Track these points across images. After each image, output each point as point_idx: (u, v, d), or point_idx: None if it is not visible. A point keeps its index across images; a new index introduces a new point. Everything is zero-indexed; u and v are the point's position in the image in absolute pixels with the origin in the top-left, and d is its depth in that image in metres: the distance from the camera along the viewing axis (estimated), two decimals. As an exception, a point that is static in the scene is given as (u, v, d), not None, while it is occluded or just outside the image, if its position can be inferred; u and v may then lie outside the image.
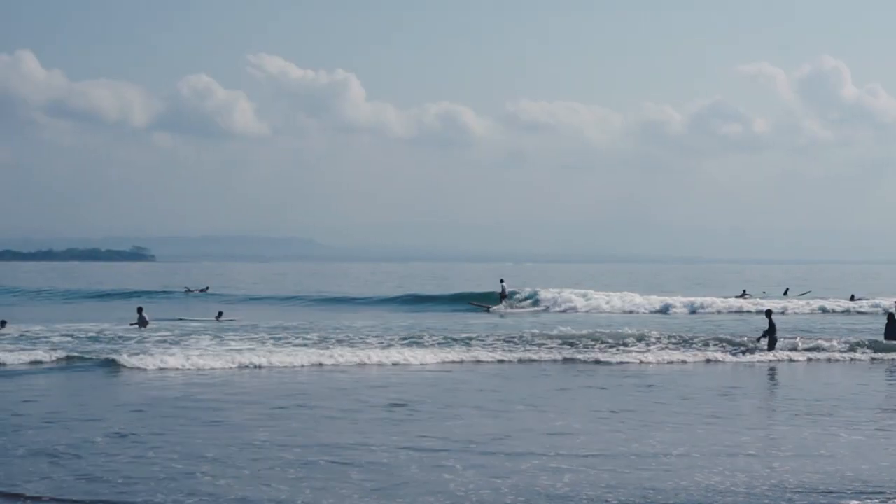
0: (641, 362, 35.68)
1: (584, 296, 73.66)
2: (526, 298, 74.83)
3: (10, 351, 35.01)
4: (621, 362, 35.55)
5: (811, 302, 71.45)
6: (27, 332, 43.02)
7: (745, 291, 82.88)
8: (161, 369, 31.72)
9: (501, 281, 74.24)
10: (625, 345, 39.43)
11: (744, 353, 37.58)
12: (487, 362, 34.99)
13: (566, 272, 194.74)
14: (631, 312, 66.72)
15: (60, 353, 34.31)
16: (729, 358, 36.75)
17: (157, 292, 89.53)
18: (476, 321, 54.75)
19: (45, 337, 40.87)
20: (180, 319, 56.39)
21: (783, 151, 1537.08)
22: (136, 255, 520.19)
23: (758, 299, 75.37)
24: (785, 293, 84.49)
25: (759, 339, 38.60)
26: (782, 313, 60.18)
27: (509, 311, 68.91)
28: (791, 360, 36.63)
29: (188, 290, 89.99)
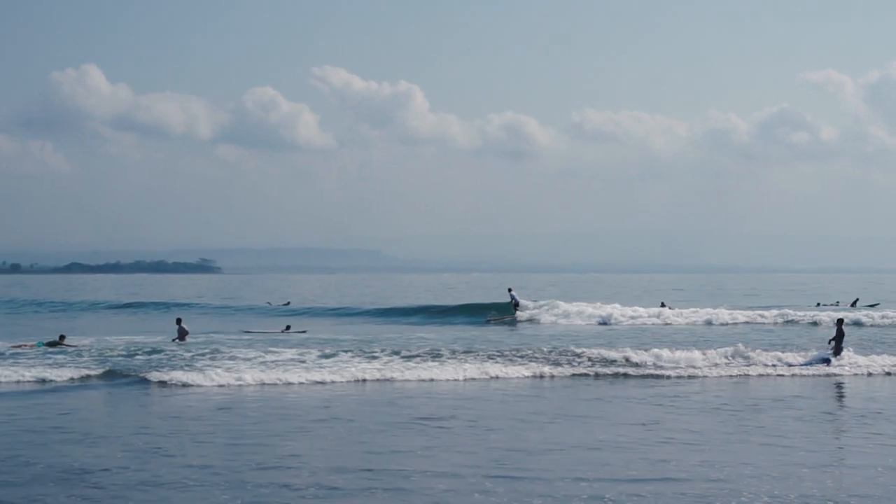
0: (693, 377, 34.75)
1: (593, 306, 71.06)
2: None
3: (51, 366, 34.87)
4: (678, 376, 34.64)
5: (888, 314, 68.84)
6: (78, 346, 42.51)
7: (856, 300, 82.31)
8: (184, 385, 31.16)
9: (510, 290, 73.06)
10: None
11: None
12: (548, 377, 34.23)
13: (628, 283, 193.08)
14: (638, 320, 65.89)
15: (97, 370, 34.01)
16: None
17: (227, 307, 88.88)
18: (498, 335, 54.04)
19: (97, 350, 40.25)
20: (246, 332, 55.82)
21: (851, 159, 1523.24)
22: (203, 266, 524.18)
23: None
24: (853, 304, 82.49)
25: (829, 342, 39.05)
26: (856, 324, 59.41)
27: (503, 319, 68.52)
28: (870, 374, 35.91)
29: (270, 305, 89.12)
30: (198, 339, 47.17)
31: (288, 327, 56.59)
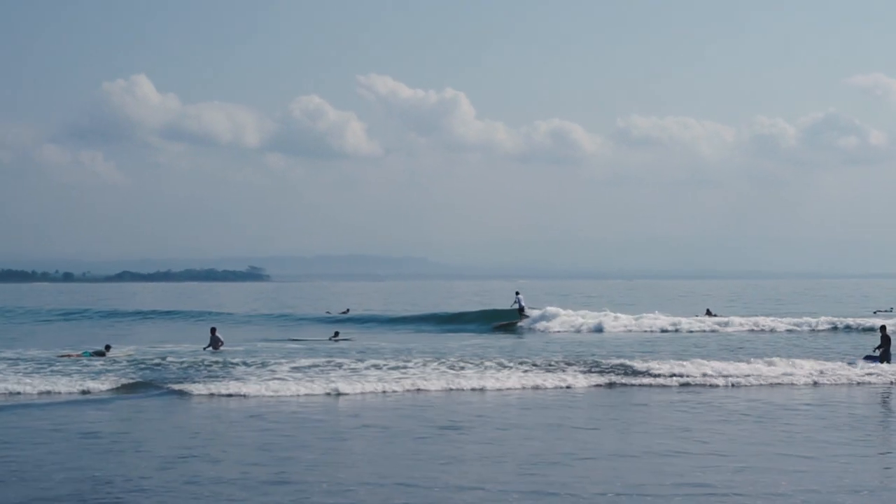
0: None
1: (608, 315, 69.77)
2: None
3: (81, 377, 34.97)
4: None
5: None
6: (122, 355, 42.80)
7: None
8: (210, 395, 31.15)
9: (517, 293, 72.40)
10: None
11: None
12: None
13: (672, 289, 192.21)
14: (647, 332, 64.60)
15: (126, 381, 34.05)
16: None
17: (275, 315, 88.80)
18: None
19: (135, 360, 40.18)
20: (293, 340, 56.26)
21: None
22: (252, 275, 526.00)
23: None
24: (891, 310, 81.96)
25: (875, 349, 38.95)
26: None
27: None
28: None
29: (329, 314, 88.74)
30: (237, 348, 47.37)
31: (336, 334, 56.96)
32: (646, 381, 34.65)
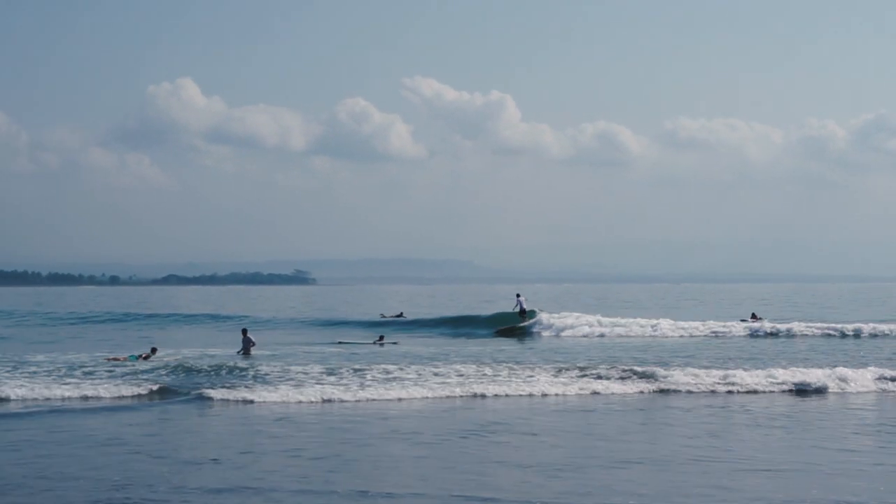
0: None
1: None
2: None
3: (108, 381, 34.79)
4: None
5: None
6: (167, 358, 42.88)
7: None
8: (236, 401, 30.74)
9: (518, 296, 71.16)
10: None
11: None
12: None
13: (719, 292, 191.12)
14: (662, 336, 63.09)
15: (155, 385, 33.69)
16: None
17: (319, 319, 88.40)
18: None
19: (172, 364, 39.94)
20: (339, 343, 56.28)
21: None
22: (298, 278, 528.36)
23: None
24: None
25: None
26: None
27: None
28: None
29: (383, 316, 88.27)
30: (270, 352, 47.21)
31: (381, 338, 56.92)
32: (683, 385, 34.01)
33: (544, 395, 32.47)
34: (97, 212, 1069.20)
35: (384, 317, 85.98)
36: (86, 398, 31.67)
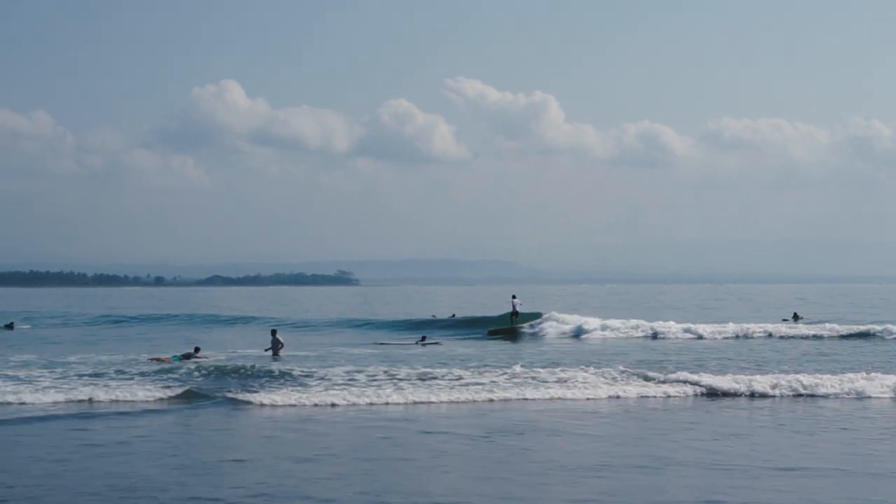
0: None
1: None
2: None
3: (135, 383, 34.43)
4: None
5: None
6: (211, 358, 42.84)
7: None
8: (261, 404, 30.01)
9: (513, 297, 69.48)
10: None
11: None
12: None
13: (766, 294, 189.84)
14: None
15: (178, 388, 33.05)
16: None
17: (363, 319, 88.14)
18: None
19: (205, 365, 39.23)
20: (380, 343, 56.41)
21: None
22: (341, 279, 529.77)
23: None
24: None
25: None
26: None
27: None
28: None
29: (434, 317, 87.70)
30: (310, 353, 47.22)
31: (423, 338, 57.02)
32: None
33: (606, 398, 31.91)
34: (142, 213, 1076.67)
35: (435, 317, 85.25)
36: (110, 401, 31.16)
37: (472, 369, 37.84)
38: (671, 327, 63.37)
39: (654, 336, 61.62)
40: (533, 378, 34.97)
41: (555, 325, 67.43)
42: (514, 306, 67.82)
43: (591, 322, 66.56)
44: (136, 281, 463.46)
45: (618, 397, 31.88)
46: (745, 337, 60.02)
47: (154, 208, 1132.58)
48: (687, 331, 62.02)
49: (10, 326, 76.32)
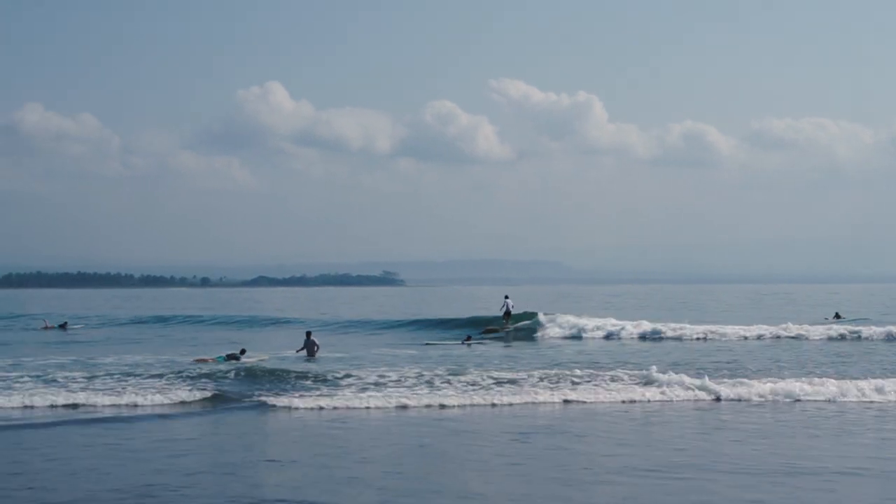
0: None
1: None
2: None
3: (182, 387, 34.09)
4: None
5: None
6: (256, 360, 43.03)
7: None
8: (287, 408, 29.88)
9: (506, 297, 69.43)
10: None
11: None
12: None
13: (808, 294, 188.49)
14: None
15: (211, 391, 32.93)
16: None
17: (404, 320, 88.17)
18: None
19: (240, 367, 39.00)
20: (427, 344, 56.77)
21: None
22: (386, 279, 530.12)
23: None
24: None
25: None
26: None
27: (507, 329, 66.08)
28: None
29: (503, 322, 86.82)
30: (346, 354, 47.45)
31: (468, 338, 57.50)
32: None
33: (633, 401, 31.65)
34: (187, 214, 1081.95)
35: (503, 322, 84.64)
36: (145, 405, 30.88)
37: (504, 369, 37.88)
38: (683, 328, 61.95)
39: (657, 338, 60.31)
40: (568, 380, 34.80)
41: (557, 329, 65.38)
42: (506, 306, 67.79)
43: (590, 323, 65.59)
44: (183, 282, 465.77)
45: (648, 401, 31.67)
46: (777, 337, 58.63)
47: (199, 209, 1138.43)
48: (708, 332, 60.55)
49: (63, 326, 78.91)
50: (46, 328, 79.00)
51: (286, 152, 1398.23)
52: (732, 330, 60.55)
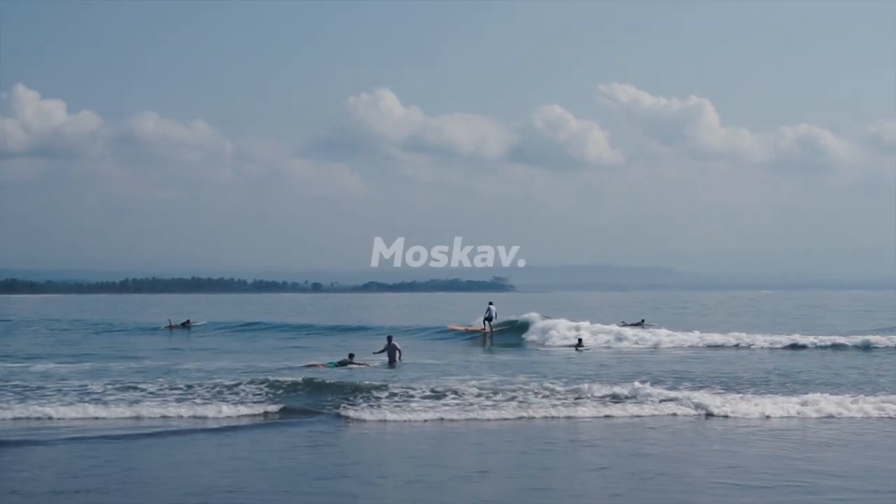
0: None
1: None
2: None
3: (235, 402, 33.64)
4: None
5: None
6: (366, 365, 43.70)
7: None
8: (371, 420, 29.34)
9: (490, 303, 69.41)
10: None
11: None
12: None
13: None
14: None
15: (285, 402, 32.42)
16: None
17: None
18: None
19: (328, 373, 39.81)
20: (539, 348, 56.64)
21: None
22: (496, 284, 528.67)
23: None
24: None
25: None
26: None
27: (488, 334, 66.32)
28: None
29: (625, 324, 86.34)
30: (438, 361, 47.76)
31: (580, 342, 57.42)
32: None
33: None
34: (298, 220, 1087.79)
35: (625, 324, 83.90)
36: (202, 417, 30.32)
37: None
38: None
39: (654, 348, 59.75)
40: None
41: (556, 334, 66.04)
42: (489, 312, 67.61)
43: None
44: (294, 287, 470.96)
45: (675, 415, 30.57)
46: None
47: (310, 215, 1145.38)
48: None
49: (186, 324, 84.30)
50: (171, 327, 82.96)
51: (396, 158, 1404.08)
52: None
